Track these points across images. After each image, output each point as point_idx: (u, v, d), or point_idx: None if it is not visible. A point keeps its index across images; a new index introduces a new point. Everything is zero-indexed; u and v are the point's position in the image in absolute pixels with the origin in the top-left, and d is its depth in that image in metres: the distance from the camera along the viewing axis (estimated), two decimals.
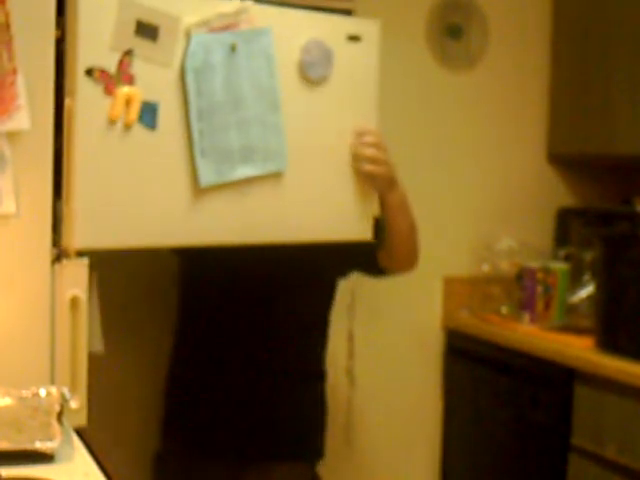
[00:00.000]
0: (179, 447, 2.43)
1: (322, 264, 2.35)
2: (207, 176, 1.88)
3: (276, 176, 1.99)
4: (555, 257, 3.13)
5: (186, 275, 2.47)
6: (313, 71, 2.02)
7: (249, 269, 2.28)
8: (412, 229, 2.31)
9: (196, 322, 2.42)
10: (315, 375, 2.45)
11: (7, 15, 1.69)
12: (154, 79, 1.83)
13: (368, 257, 2.36)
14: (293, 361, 2.37)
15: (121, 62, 1.79)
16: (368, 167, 2.09)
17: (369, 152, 2.08)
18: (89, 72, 1.75)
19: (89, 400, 1.80)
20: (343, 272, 2.47)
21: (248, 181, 1.96)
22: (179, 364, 2.46)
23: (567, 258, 3.08)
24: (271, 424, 2.35)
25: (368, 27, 2.11)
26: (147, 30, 1.80)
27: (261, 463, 2.35)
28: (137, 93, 1.80)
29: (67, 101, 1.78)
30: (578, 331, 2.80)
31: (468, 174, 3.20)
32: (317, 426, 2.46)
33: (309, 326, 2.39)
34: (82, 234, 1.77)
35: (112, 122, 1.78)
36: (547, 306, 2.97)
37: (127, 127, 1.80)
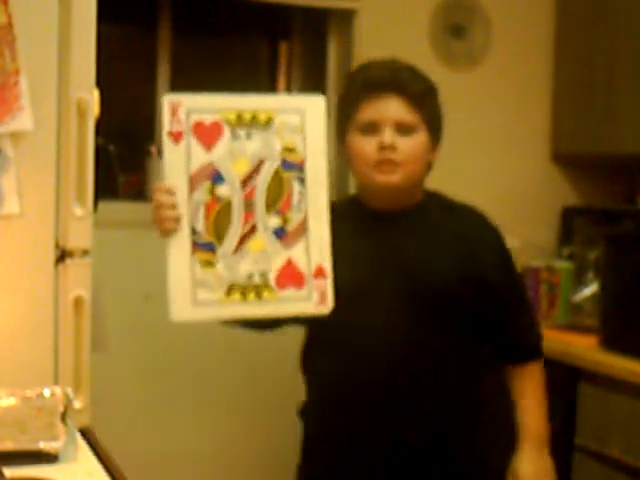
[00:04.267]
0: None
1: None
2: None
3: None
4: (559, 256, 3.12)
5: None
6: None
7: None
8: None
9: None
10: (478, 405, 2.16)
11: (10, 16, 1.69)
12: None
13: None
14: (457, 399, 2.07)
15: None
16: None
17: None
18: None
19: None
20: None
21: None
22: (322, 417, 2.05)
23: (571, 257, 3.07)
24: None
25: None
26: None
27: None
28: None
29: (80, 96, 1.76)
30: (582, 330, 2.79)
31: (471, 174, 3.19)
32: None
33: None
34: None
35: None
36: (551, 305, 2.96)
37: None
